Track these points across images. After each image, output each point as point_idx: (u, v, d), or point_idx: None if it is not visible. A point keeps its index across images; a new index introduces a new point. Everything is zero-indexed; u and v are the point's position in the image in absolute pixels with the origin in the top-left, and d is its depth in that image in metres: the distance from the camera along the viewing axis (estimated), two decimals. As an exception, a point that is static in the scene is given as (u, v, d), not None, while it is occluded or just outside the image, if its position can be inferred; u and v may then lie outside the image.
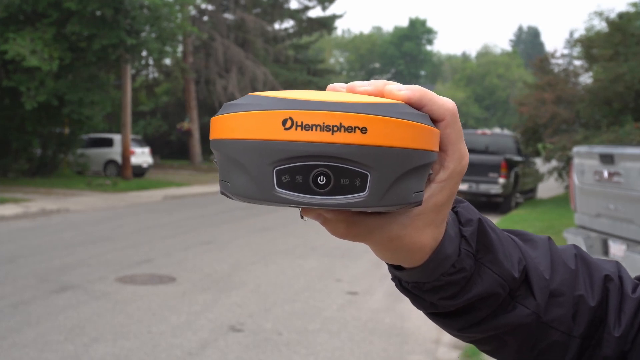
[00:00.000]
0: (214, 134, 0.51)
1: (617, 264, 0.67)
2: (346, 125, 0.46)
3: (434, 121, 0.52)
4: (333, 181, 0.47)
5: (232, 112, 0.49)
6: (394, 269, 0.60)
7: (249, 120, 0.47)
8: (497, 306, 0.60)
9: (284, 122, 0.46)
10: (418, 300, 0.61)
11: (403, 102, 0.51)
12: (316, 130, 0.46)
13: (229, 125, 0.48)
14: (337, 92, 0.52)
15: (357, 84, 0.53)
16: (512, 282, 0.59)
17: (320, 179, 0.47)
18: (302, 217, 0.53)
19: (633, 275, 0.68)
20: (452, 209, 0.60)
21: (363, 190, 0.47)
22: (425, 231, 0.54)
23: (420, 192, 0.51)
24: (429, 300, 0.60)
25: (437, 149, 0.51)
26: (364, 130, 0.46)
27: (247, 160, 0.47)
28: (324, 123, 0.46)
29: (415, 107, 0.51)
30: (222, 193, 0.51)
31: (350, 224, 0.53)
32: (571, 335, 0.62)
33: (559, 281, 0.62)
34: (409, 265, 0.57)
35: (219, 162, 0.51)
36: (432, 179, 0.54)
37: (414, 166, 0.49)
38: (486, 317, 0.60)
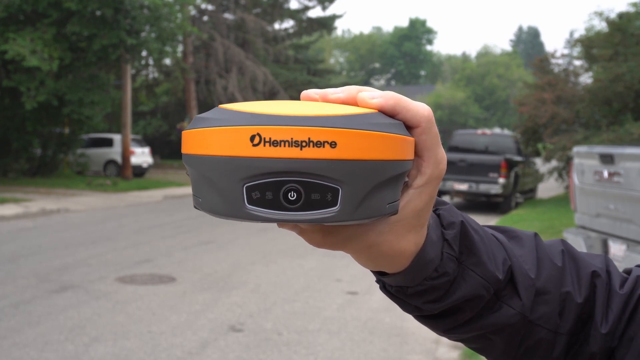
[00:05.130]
0: (185, 149, 0.50)
1: (606, 259, 0.66)
2: (315, 140, 0.45)
3: (409, 128, 0.52)
4: (304, 196, 0.46)
5: (202, 126, 0.48)
6: (378, 273, 0.60)
7: (217, 136, 0.46)
8: (482, 307, 0.60)
9: (252, 138, 0.45)
10: (402, 303, 0.61)
11: (376, 111, 0.50)
12: (285, 145, 0.45)
13: (198, 140, 0.48)
14: (308, 103, 0.51)
15: (329, 92, 0.53)
16: (496, 283, 0.59)
17: (290, 195, 0.46)
18: (278, 226, 0.52)
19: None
20: (434, 211, 0.60)
21: (335, 205, 0.47)
22: (405, 237, 0.54)
23: (395, 202, 0.50)
24: (413, 304, 0.60)
25: (411, 157, 0.50)
26: (333, 144, 0.45)
27: (216, 177, 0.47)
28: (292, 138, 0.45)
29: (389, 114, 0.51)
30: (196, 207, 0.51)
31: (326, 233, 0.53)
32: (558, 332, 0.62)
33: (545, 279, 0.62)
34: (390, 270, 0.57)
35: (191, 177, 0.50)
36: (409, 185, 0.53)
37: (387, 177, 0.48)
38: (471, 318, 0.60)
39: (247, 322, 5.26)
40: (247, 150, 0.46)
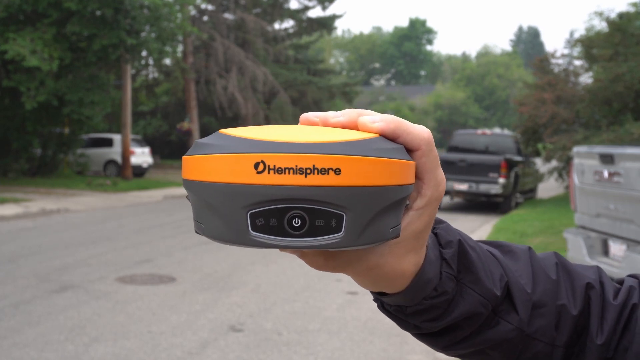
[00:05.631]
0: (185, 174, 0.50)
1: (598, 270, 0.67)
2: (319, 167, 0.45)
3: (409, 151, 0.52)
4: (308, 223, 0.46)
5: (204, 153, 0.48)
6: (376, 293, 0.60)
7: (220, 163, 0.46)
8: (480, 323, 0.60)
9: (256, 165, 0.45)
10: (401, 322, 0.61)
11: (378, 135, 0.50)
12: (289, 173, 0.45)
13: (200, 166, 0.48)
14: (310, 128, 0.51)
15: (330, 115, 0.53)
16: (494, 300, 0.60)
17: (295, 221, 0.46)
18: (280, 250, 0.53)
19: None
20: (432, 230, 0.60)
21: (339, 231, 0.47)
22: (405, 258, 0.54)
23: (397, 227, 0.50)
24: (412, 323, 0.60)
25: (413, 181, 0.51)
26: (337, 171, 0.45)
27: (220, 204, 0.47)
28: (296, 166, 0.45)
29: (390, 138, 0.51)
30: (197, 233, 0.51)
31: (328, 256, 0.53)
32: (554, 345, 0.62)
33: (540, 292, 0.62)
34: (390, 291, 0.57)
35: (193, 203, 0.50)
36: (409, 207, 0.53)
37: (390, 202, 0.48)
38: (470, 334, 0.61)
39: (247, 322, 5.26)
40: (251, 178, 0.45)
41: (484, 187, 14.14)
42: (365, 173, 0.46)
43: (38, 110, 17.41)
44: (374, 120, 0.51)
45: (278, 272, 7.22)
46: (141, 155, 22.44)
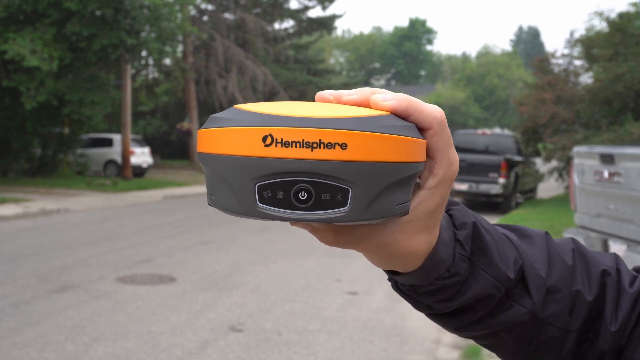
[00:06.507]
0: (200, 147, 0.51)
1: (616, 257, 0.67)
2: (325, 142, 0.46)
3: (422, 130, 0.52)
4: (314, 196, 0.47)
5: (216, 126, 0.49)
6: (390, 272, 0.61)
7: (231, 136, 0.48)
8: (494, 305, 0.61)
9: (264, 138, 0.46)
10: (414, 302, 0.61)
11: (389, 113, 0.50)
12: (296, 146, 0.46)
13: (213, 139, 0.49)
14: (321, 105, 0.51)
15: (344, 93, 0.53)
16: (508, 282, 0.60)
17: (301, 195, 0.47)
18: (291, 224, 0.53)
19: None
20: (447, 211, 0.60)
21: (344, 205, 0.47)
22: (416, 237, 0.55)
23: (406, 203, 0.51)
24: (425, 303, 0.60)
25: (422, 159, 0.51)
26: (343, 146, 0.46)
27: (229, 175, 0.48)
28: (303, 140, 0.46)
29: (402, 117, 0.51)
30: (210, 205, 0.52)
31: (338, 232, 0.53)
32: (568, 330, 0.62)
33: (555, 277, 0.62)
34: (403, 270, 0.58)
35: (206, 175, 0.51)
36: (421, 186, 0.54)
37: (397, 179, 0.49)
38: (483, 316, 0.61)
39: (247, 322, 5.26)
40: (260, 151, 0.46)
41: (484, 187, 14.14)
42: (372, 149, 0.47)
43: (38, 110, 17.40)
44: (386, 98, 0.51)
45: (278, 272, 7.22)
46: (141, 155, 22.44)
